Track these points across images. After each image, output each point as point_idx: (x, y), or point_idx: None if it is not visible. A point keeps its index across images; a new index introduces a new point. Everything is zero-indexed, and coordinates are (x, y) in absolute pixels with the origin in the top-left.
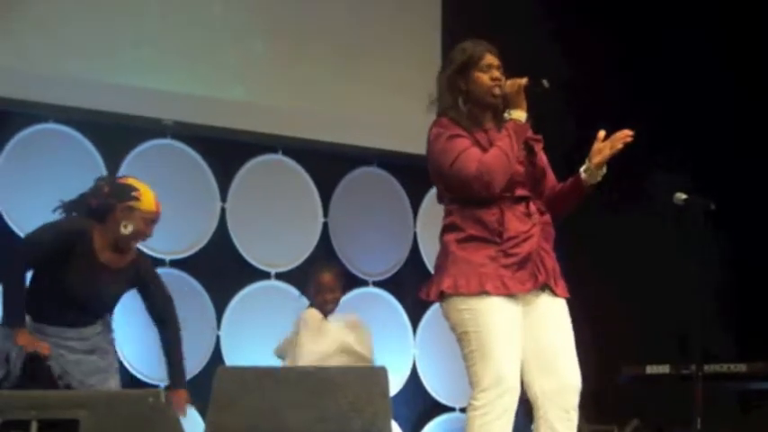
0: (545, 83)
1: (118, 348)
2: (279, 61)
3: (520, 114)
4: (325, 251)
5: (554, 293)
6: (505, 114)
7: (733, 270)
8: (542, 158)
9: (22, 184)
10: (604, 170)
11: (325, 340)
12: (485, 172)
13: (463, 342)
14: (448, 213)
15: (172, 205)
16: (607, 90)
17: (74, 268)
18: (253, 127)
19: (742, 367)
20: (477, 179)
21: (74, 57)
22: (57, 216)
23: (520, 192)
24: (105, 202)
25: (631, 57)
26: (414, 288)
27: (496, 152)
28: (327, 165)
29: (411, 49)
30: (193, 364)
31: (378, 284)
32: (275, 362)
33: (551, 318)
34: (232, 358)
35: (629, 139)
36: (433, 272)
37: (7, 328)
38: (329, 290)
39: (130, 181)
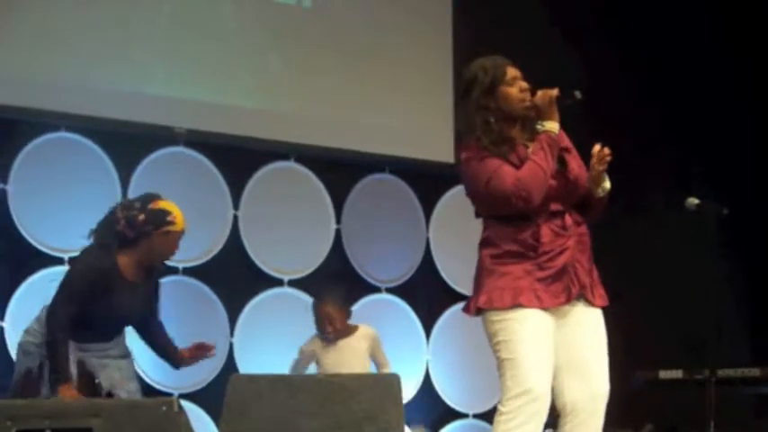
0: (578, 94)
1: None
2: (291, 69)
3: (553, 126)
4: (337, 258)
5: (590, 303)
6: (538, 126)
7: (746, 274)
8: (574, 167)
9: (35, 193)
10: (607, 185)
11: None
12: (522, 188)
13: (496, 351)
14: (484, 229)
15: (184, 213)
16: (621, 95)
17: (112, 296)
18: (265, 134)
19: (755, 371)
20: (514, 195)
21: (86, 65)
22: (87, 243)
23: (554, 206)
24: (142, 231)
25: (644, 60)
26: (427, 294)
27: (532, 166)
28: (340, 172)
29: (422, 57)
30: (207, 371)
31: (391, 291)
32: (288, 368)
33: (585, 328)
34: (245, 366)
35: (608, 158)
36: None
37: (53, 379)
38: (328, 322)
39: (162, 205)
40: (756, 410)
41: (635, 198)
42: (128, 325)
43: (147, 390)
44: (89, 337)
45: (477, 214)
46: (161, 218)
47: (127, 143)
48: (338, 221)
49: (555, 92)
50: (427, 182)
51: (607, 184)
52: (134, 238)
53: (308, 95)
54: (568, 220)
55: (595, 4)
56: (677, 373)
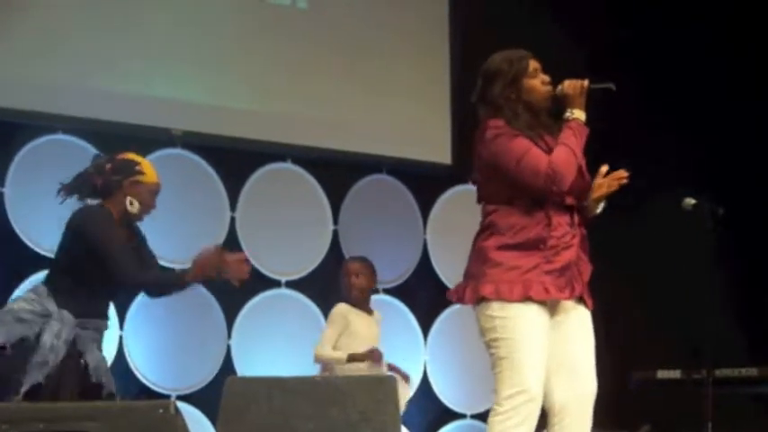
0: (611, 86)
1: (130, 358)
2: (288, 70)
3: (581, 114)
4: (335, 259)
5: (584, 304)
6: (567, 114)
7: (743, 274)
8: (586, 173)
9: (32, 195)
10: (603, 205)
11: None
12: (556, 170)
13: (492, 348)
14: (488, 214)
15: (181, 214)
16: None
17: None
18: (262, 136)
19: (753, 371)
20: (548, 176)
21: (83, 67)
22: (58, 201)
23: (569, 200)
24: (110, 180)
25: (641, 60)
26: (425, 295)
27: (564, 149)
28: (337, 173)
29: (418, 58)
30: (204, 373)
31: (388, 291)
32: (286, 370)
33: (579, 330)
34: (243, 367)
35: (624, 181)
36: (464, 273)
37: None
38: (353, 274)
39: (130, 156)
40: (754, 410)
41: (632, 198)
42: (116, 297)
43: (145, 391)
44: (90, 309)
45: (480, 199)
46: (129, 167)
47: (124, 145)
48: (335, 222)
49: (585, 82)
50: (424, 183)
51: (603, 204)
52: (104, 188)
53: (305, 97)
54: (576, 217)
55: (594, 3)
56: (675, 374)
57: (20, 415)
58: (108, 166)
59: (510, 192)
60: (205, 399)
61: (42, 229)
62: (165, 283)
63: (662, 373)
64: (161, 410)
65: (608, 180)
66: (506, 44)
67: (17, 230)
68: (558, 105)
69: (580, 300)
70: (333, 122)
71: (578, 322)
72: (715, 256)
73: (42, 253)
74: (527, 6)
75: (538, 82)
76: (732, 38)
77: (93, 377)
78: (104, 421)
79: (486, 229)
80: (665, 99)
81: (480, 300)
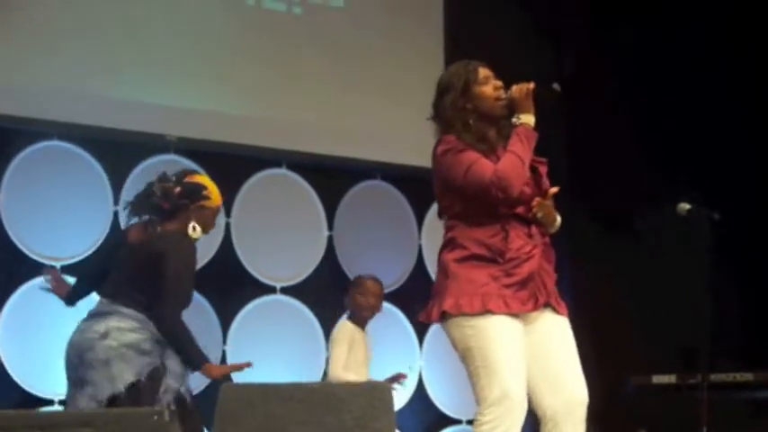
0: (556, 86)
1: None
2: (282, 76)
3: (529, 118)
4: (330, 265)
5: (555, 311)
6: (514, 119)
7: (738, 279)
8: (546, 182)
9: (28, 201)
10: (558, 221)
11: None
12: (501, 177)
13: (467, 359)
14: (449, 230)
15: None
16: (608, 95)
17: None
18: (256, 141)
19: (749, 376)
20: (493, 184)
21: (77, 74)
22: (125, 214)
23: (522, 211)
24: (178, 204)
25: (635, 64)
26: (420, 300)
27: (511, 157)
28: (331, 178)
29: (413, 63)
30: (200, 379)
31: (384, 297)
32: (282, 376)
33: (555, 335)
34: (238, 374)
35: (547, 203)
36: (431, 294)
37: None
38: (373, 295)
39: (198, 179)
40: (749, 415)
41: (627, 204)
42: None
43: None
44: None
45: (441, 214)
46: (197, 191)
47: (119, 151)
48: (330, 228)
49: (531, 85)
50: (419, 188)
51: (558, 221)
52: (171, 210)
53: (300, 102)
54: (534, 228)
55: (584, 7)
56: (670, 378)
57: (15, 422)
58: (177, 190)
59: (463, 205)
60: (201, 405)
61: (38, 234)
62: (186, 350)
63: (657, 378)
64: (155, 417)
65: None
66: (501, 53)
67: (12, 236)
68: (512, 111)
69: (549, 307)
70: (328, 128)
71: (552, 329)
72: (710, 261)
73: (37, 259)
74: (521, 12)
75: (488, 88)
76: (730, 38)
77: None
78: (98, 427)
79: (447, 244)
80: (660, 102)
81: (443, 315)
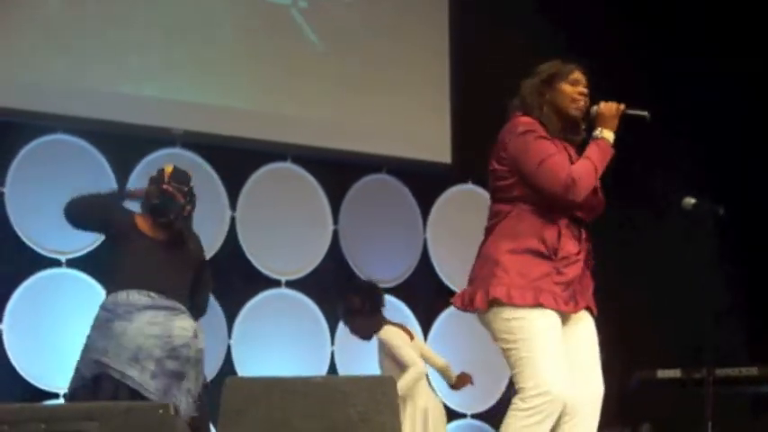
0: (646, 115)
1: None
2: (287, 69)
3: (609, 135)
4: (335, 259)
5: (589, 310)
6: (595, 132)
7: (744, 273)
8: (600, 191)
9: (32, 195)
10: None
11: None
12: (575, 180)
13: (512, 349)
14: (502, 216)
15: None
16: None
17: None
18: (262, 135)
19: (753, 371)
20: (565, 185)
21: (83, 67)
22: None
23: (579, 214)
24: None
25: (644, 60)
26: (424, 294)
27: (587, 163)
28: (337, 172)
29: (419, 57)
30: (205, 373)
31: (388, 291)
32: (287, 370)
33: (585, 334)
34: (244, 367)
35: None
36: (470, 277)
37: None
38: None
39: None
40: (754, 410)
41: (632, 198)
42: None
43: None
44: None
45: (496, 196)
46: (194, 197)
47: (124, 145)
48: (335, 222)
49: (622, 106)
50: (424, 182)
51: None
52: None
53: (305, 96)
54: (584, 232)
55: (596, 5)
56: (675, 373)
57: (20, 416)
58: (188, 208)
59: (525, 193)
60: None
61: (42, 228)
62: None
63: (662, 373)
64: (160, 411)
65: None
66: (506, 45)
67: (17, 230)
68: (590, 123)
69: (585, 309)
70: (333, 122)
71: (583, 329)
72: (715, 256)
73: (42, 253)
74: (528, 8)
75: (572, 89)
76: (735, 36)
77: None
78: (103, 422)
79: (496, 233)
80: (670, 100)
81: (492, 303)
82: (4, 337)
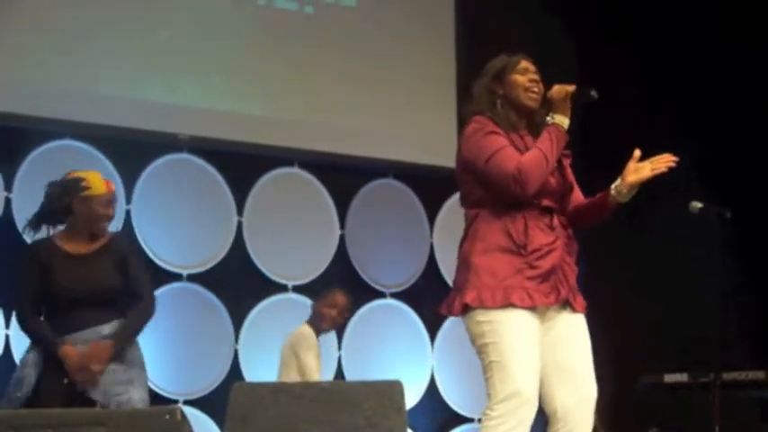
0: (594, 93)
1: None
2: (294, 75)
3: (563, 120)
4: (342, 263)
5: (573, 309)
6: (548, 118)
7: (751, 277)
8: (570, 175)
9: (39, 201)
10: (635, 190)
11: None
12: (523, 171)
13: (483, 354)
14: (471, 220)
15: (188, 219)
16: (622, 97)
17: (56, 272)
18: (268, 140)
19: (761, 375)
20: (513, 178)
21: (90, 73)
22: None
23: (546, 202)
24: (62, 203)
25: (646, 62)
26: (431, 299)
27: (536, 153)
28: (343, 177)
29: (425, 62)
30: (212, 378)
31: (395, 296)
32: None
33: (571, 334)
34: (250, 372)
35: (672, 164)
36: (452, 284)
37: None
38: (345, 310)
39: (76, 174)
40: (762, 414)
41: (639, 202)
42: (93, 307)
43: (152, 396)
44: (58, 325)
45: (463, 201)
46: (75, 185)
47: (131, 150)
48: (342, 227)
49: (571, 88)
50: (431, 187)
51: (635, 189)
52: (62, 211)
53: (312, 101)
54: (556, 220)
55: (600, 9)
56: (682, 377)
57: (27, 421)
58: (57, 190)
59: (483, 192)
60: (213, 403)
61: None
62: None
63: (669, 377)
64: (167, 416)
65: (651, 164)
66: (514, 50)
67: (24, 236)
68: (548, 110)
69: (567, 304)
70: (339, 127)
71: (569, 326)
72: (721, 260)
73: None
74: (535, 10)
75: (523, 79)
76: (741, 38)
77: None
78: (111, 426)
79: (468, 236)
80: (673, 100)
81: (465, 308)
82: (12, 343)
